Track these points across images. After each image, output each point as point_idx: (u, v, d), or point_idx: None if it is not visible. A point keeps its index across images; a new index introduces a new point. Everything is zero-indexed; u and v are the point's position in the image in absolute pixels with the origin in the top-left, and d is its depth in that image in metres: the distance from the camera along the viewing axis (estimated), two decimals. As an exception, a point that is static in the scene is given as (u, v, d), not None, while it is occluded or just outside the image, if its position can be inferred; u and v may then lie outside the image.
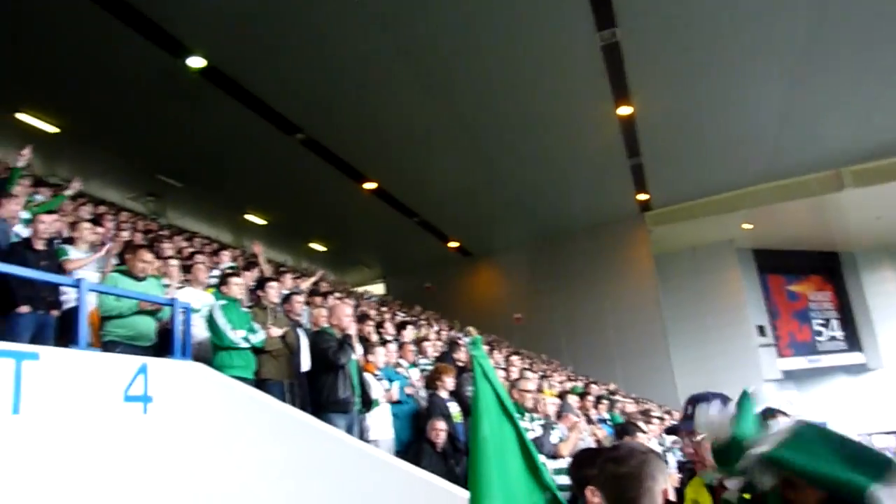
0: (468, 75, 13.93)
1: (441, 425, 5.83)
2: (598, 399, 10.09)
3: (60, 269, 5.55)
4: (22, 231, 6.01)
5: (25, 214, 6.29)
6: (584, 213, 22.14)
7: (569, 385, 12.07)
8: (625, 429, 5.98)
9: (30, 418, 3.49)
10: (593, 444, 6.88)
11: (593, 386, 12.98)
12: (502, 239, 24.65)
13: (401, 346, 7.67)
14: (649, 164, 18.91)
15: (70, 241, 6.08)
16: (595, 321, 22.54)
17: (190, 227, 18.83)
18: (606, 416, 9.73)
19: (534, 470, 3.01)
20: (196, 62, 12.63)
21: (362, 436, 5.80)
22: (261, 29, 11.84)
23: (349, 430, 5.49)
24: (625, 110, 15.72)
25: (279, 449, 4.57)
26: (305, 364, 6.14)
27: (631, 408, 12.39)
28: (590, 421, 8.22)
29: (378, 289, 27.00)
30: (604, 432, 8.12)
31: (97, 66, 12.57)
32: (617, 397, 12.66)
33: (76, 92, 13.49)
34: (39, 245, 5.47)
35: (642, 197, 21.67)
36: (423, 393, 6.66)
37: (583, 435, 6.76)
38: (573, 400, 8.30)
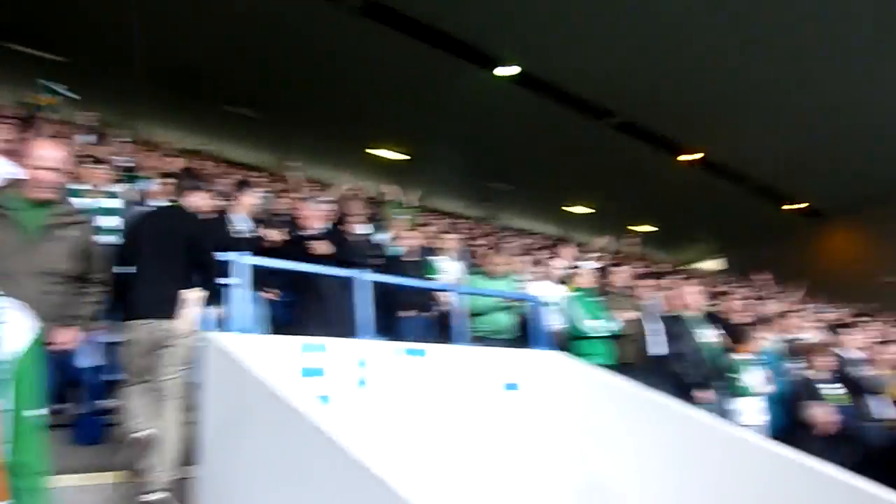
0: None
1: (819, 409, 5.22)
2: None
3: (428, 278, 6.33)
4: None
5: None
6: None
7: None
8: None
9: (428, 406, 3.99)
10: None
11: None
12: (860, 195, 21.07)
13: (762, 323, 6.98)
14: None
15: (432, 251, 6.89)
16: None
17: (522, 225, 19.98)
18: None
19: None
20: (507, 71, 13.40)
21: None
22: (565, 28, 12.03)
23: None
24: None
25: (640, 428, 4.49)
26: (657, 347, 5.99)
27: None
28: None
29: (714, 264, 25.31)
30: None
31: (427, 96, 14.17)
32: None
33: (412, 123, 15.37)
34: (411, 257, 6.29)
35: None
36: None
37: None
38: None
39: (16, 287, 2.54)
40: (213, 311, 3.64)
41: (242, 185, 5.88)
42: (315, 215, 5.69)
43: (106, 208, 4.59)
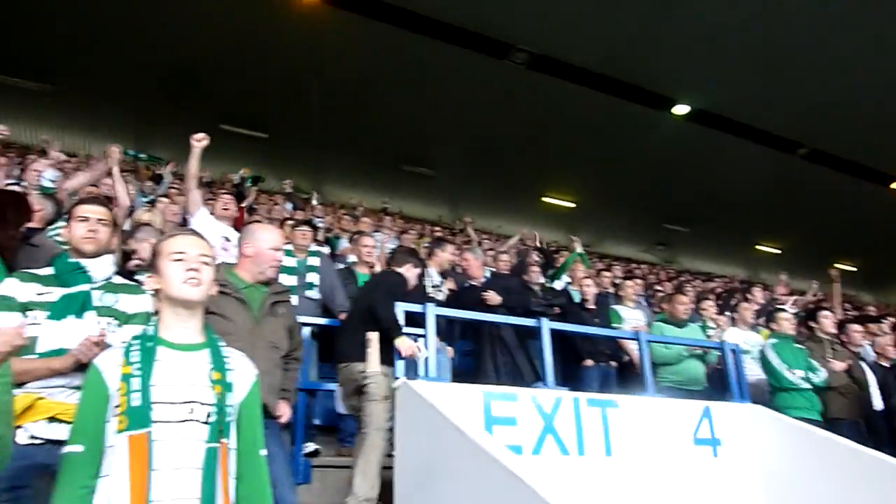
0: None
1: None
2: None
3: (609, 325, 6.18)
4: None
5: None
6: None
7: None
8: None
9: (619, 459, 3.88)
10: None
11: None
12: None
13: None
14: None
15: (611, 298, 6.74)
16: None
17: (702, 268, 18.92)
18: None
19: None
20: (681, 109, 13.00)
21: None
22: (744, 62, 11.51)
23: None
24: None
25: (858, 495, 3.99)
26: (877, 401, 5.35)
27: None
28: None
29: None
30: None
31: (600, 141, 14.12)
32: None
33: (586, 169, 15.36)
34: (590, 304, 6.20)
35: None
36: None
37: None
38: None
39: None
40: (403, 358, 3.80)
41: (439, 241, 6.20)
42: (479, 265, 5.88)
43: (310, 266, 5.06)
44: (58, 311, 2.31)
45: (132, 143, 13.46)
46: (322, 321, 4.85)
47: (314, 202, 10.48)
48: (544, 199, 17.11)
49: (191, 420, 1.74)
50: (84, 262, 2.47)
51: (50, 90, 12.37)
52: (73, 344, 2.25)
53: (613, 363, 5.99)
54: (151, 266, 1.95)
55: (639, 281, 7.06)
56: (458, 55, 11.47)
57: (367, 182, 15.88)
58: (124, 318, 2.43)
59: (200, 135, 4.61)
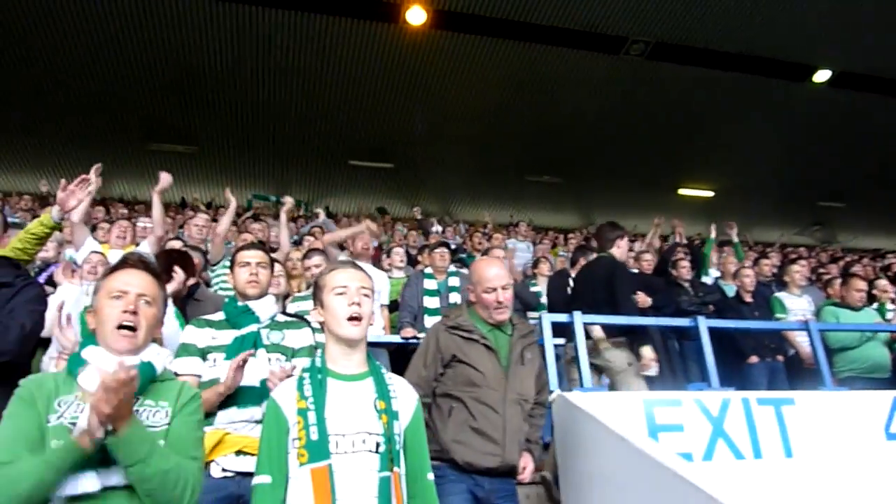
0: None
1: None
2: None
3: (771, 317, 5.76)
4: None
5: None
6: None
7: None
8: None
9: (801, 461, 3.57)
10: None
11: None
12: None
13: None
14: None
15: (770, 287, 6.29)
16: None
17: (868, 245, 17.22)
18: None
19: None
20: (822, 76, 12.00)
21: None
22: (882, 16, 10.44)
23: None
24: None
25: None
26: None
27: None
28: None
29: None
30: None
31: (735, 124, 13.29)
32: None
33: (723, 155, 14.55)
34: (748, 297, 5.81)
35: None
36: None
37: None
38: None
39: (495, 417, 2.60)
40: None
41: (583, 249, 6.14)
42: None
43: (451, 287, 5.16)
44: (232, 351, 2.50)
45: (273, 189, 14.53)
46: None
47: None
48: (680, 191, 16.38)
49: (363, 450, 1.80)
50: (251, 304, 2.68)
51: (195, 151, 13.61)
52: (249, 380, 2.43)
53: (780, 357, 5.57)
54: (315, 298, 2.06)
55: (803, 263, 6.50)
56: (573, 58, 11.31)
57: (492, 197, 15.99)
58: (291, 353, 2.60)
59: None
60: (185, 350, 2.53)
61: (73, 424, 1.60)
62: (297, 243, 7.34)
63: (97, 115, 12.24)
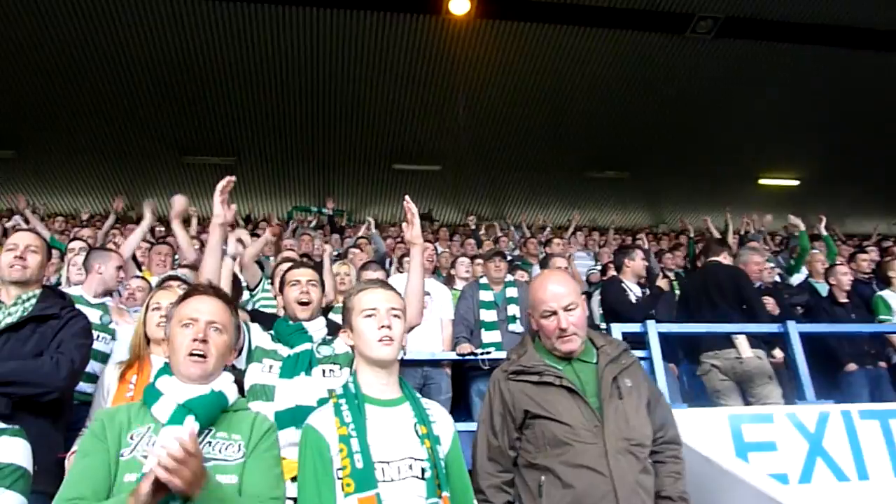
0: None
1: None
2: None
3: (871, 318, 5.56)
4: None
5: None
6: None
7: None
8: None
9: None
10: None
11: None
12: None
13: None
14: None
15: (871, 285, 6.07)
16: None
17: None
18: None
19: None
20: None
21: None
22: None
23: None
24: None
25: None
26: None
27: None
28: None
29: None
30: None
31: (820, 102, 12.87)
32: None
33: (809, 138, 14.10)
34: (842, 297, 5.63)
35: None
36: None
37: None
38: None
39: (600, 481, 2.12)
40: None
41: (625, 250, 6.06)
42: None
43: (509, 298, 5.15)
44: (288, 370, 2.60)
45: (315, 200, 14.80)
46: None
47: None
48: (761, 181, 15.93)
49: (410, 477, 1.84)
50: (305, 324, 2.78)
51: (233, 162, 13.97)
52: (305, 400, 2.51)
53: (883, 364, 5.37)
54: (344, 321, 2.13)
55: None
56: (633, 41, 11.13)
57: (552, 197, 15.89)
58: (344, 361, 2.70)
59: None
60: (260, 352, 2.69)
61: (146, 457, 1.65)
62: (341, 256, 7.45)
63: (129, 131, 12.73)
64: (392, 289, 2.15)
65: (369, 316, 2.02)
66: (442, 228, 12.38)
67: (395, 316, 2.04)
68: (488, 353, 4.67)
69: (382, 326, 2.00)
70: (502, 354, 4.61)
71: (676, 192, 16.16)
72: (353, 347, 2.10)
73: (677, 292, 5.75)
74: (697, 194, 15.90)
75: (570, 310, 2.31)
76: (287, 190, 14.94)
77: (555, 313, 2.31)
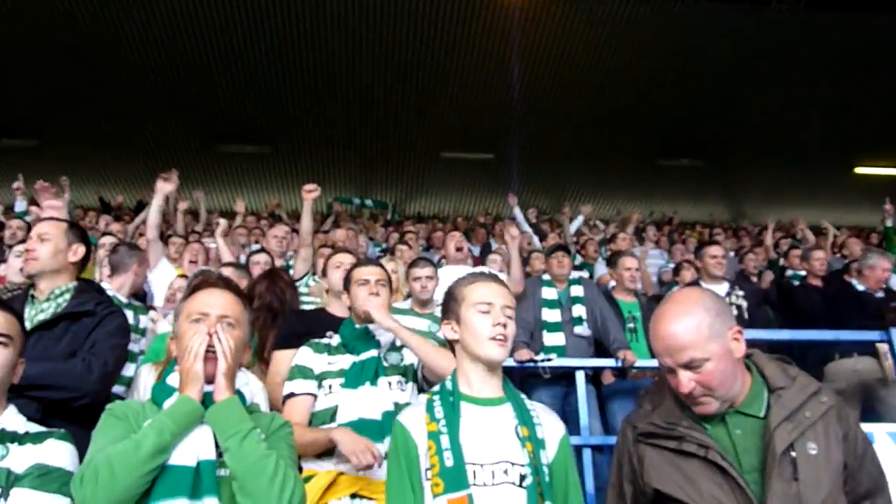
0: None
1: None
2: None
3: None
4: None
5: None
6: None
7: None
8: None
9: None
10: None
11: None
12: None
13: None
14: None
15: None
16: None
17: None
18: None
19: None
20: None
21: None
22: None
23: None
24: None
25: None
26: None
27: None
28: None
29: None
30: None
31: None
32: None
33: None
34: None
35: None
36: None
37: None
38: None
39: None
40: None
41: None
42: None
43: (574, 297, 5.08)
44: (352, 379, 2.61)
45: (356, 192, 14.95)
46: (600, 363, 4.74)
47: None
48: (857, 170, 15.49)
49: (506, 482, 1.80)
50: (371, 327, 2.77)
51: (269, 152, 14.22)
52: (368, 412, 2.53)
53: None
54: (448, 310, 2.10)
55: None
56: (711, 14, 10.92)
57: (617, 186, 15.74)
58: (412, 374, 2.71)
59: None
60: (300, 373, 2.65)
61: None
62: (386, 251, 7.50)
63: (160, 119, 13.06)
64: (505, 285, 2.12)
65: (484, 311, 1.99)
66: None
67: (510, 317, 2.01)
68: (549, 359, 4.46)
69: (497, 324, 1.97)
70: (566, 362, 4.55)
71: (756, 183, 15.88)
72: (451, 341, 2.07)
73: (744, 303, 5.53)
74: (784, 186, 15.57)
75: (695, 367, 1.72)
76: (326, 180, 15.10)
77: (672, 371, 1.77)
